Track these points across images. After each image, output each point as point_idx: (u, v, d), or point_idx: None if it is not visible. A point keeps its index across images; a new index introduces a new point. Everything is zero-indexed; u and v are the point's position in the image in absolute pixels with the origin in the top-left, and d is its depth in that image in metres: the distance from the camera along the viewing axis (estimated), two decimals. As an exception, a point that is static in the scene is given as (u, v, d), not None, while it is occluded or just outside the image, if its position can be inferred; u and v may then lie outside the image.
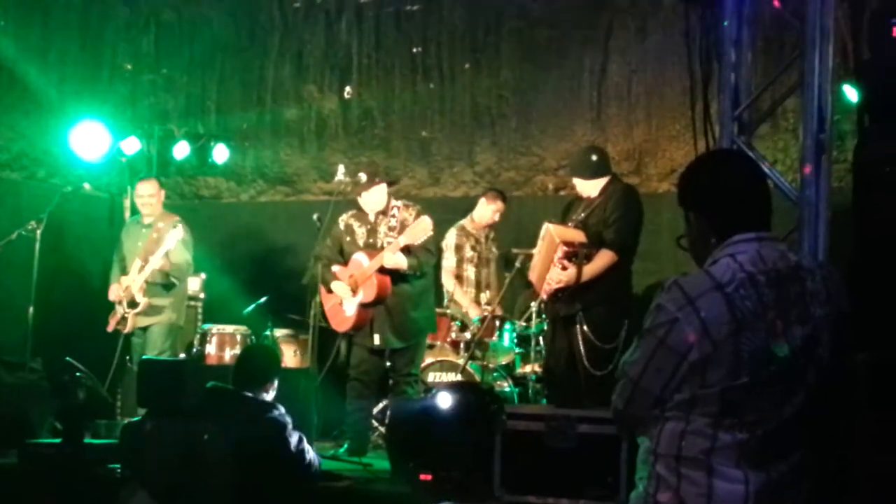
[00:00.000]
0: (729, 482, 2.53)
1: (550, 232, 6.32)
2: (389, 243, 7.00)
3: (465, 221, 8.61)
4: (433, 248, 7.23)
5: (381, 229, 7.16)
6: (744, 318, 2.52)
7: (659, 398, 2.60)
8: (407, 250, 6.95)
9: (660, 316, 2.58)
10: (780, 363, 2.53)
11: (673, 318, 2.54)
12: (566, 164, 6.80)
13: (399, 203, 7.25)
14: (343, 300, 7.17)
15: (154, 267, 7.74)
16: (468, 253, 8.55)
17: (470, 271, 8.55)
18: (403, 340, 7.14)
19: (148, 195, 8.12)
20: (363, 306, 7.09)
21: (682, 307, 2.54)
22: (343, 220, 7.36)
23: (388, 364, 7.24)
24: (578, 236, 6.28)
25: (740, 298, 2.53)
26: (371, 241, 7.18)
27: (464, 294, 8.40)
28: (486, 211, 8.55)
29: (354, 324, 7.14)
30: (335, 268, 7.24)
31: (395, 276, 7.04)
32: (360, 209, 7.29)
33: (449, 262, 8.50)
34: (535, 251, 6.61)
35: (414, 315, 7.15)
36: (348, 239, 7.28)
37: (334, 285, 7.18)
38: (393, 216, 7.16)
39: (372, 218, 7.23)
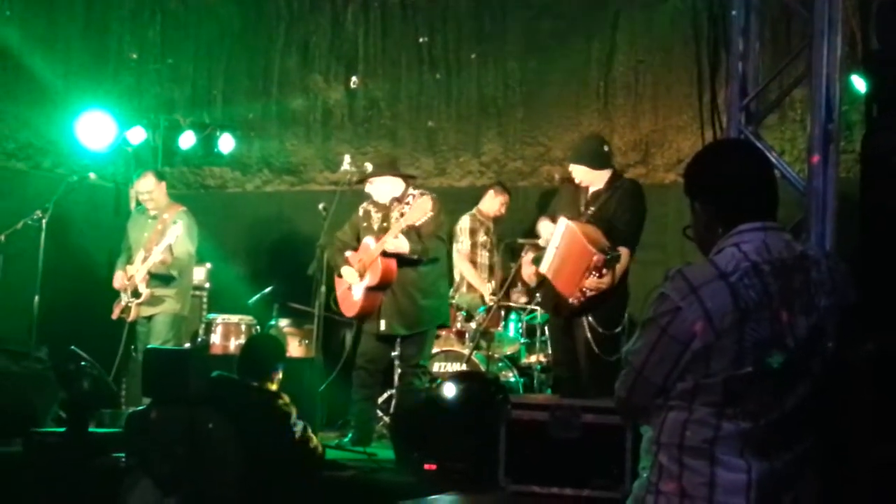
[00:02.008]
0: (731, 471, 2.52)
1: (577, 234, 6.25)
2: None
3: (475, 210, 8.69)
4: (444, 236, 7.24)
5: (394, 215, 7.15)
6: (748, 308, 2.50)
7: (662, 387, 2.59)
8: (417, 236, 6.95)
9: (663, 305, 2.57)
10: (783, 353, 2.52)
11: (676, 307, 2.53)
12: (571, 150, 6.76)
13: (416, 192, 7.24)
14: (352, 285, 7.17)
15: (155, 259, 7.73)
16: (481, 238, 8.66)
17: (484, 257, 8.65)
18: (409, 328, 7.13)
19: (147, 191, 8.08)
20: (369, 290, 7.09)
21: (686, 296, 2.53)
22: (363, 206, 7.39)
23: (395, 353, 7.23)
24: (599, 236, 6.27)
25: (744, 288, 2.51)
26: (385, 225, 7.17)
27: (480, 278, 8.46)
28: (494, 203, 8.63)
29: (361, 308, 7.15)
30: (347, 253, 7.26)
31: (403, 262, 7.04)
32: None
33: (464, 245, 8.62)
34: (542, 242, 6.56)
35: (423, 303, 7.14)
36: (364, 225, 7.30)
37: (344, 270, 7.21)
38: (407, 203, 7.15)
39: (388, 205, 7.23)
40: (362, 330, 7.38)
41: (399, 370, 7.23)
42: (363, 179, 7.30)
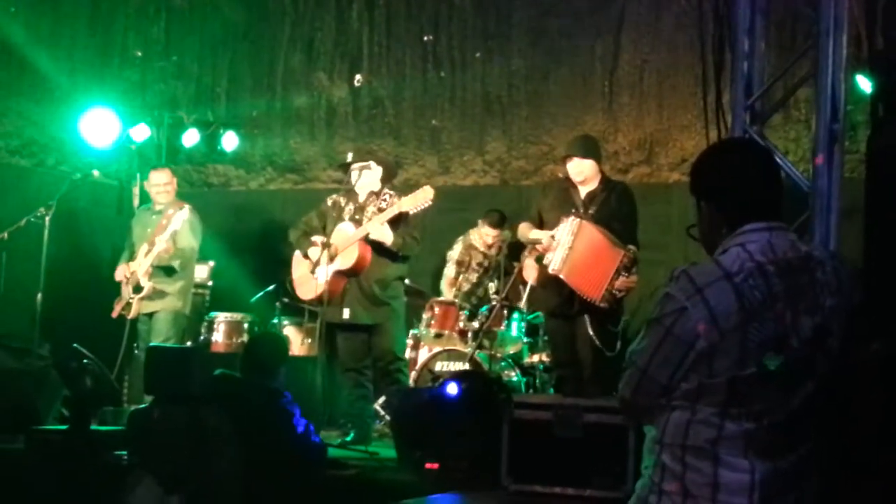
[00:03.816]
0: (735, 471, 2.51)
1: (597, 233, 6.29)
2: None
3: (470, 242, 8.69)
4: (419, 237, 7.17)
5: (369, 208, 7.09)
6: (752, 308, 2.49)
7: (666, 387, 2.58)
8: (395, 227, 6.91)
9: (668, 305, 2.56)
10: (788, 354, 2.51)
11: (681, 308, 2.52)
12: (572, 146, 6.75)
13: (391, 191, 7.21)
14: (317, 267, 7.02)
15: (160, 248, 7.71)
16: (473, 265, 8.65)
17: (469, 280, 8.66)
18: (375, 317, 7.05)
19: (163, 184, 8.11)
20: (338, 274, 6.96)
21: (691, 296, 2.52)
22: (332, 197, 7.34)
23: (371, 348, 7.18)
24: (613, 236, 6.30)
25: (749, 288, 2.50)
26: (357, 217, 7.09)
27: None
28: (479, 233, 8.68)
29: (324, 292, 6.92)
30: (314, 237, 7.13)
31: (375, 254, 6.97)
32: (350, 190, 7.24)
33: (449, 271, 8.64)
34: (545, 242, 6.51)
35: (380, 295, 7.04)
36: (334, 215, 7.21)
37: (312, 251, 7.07)
38: (384, 199, 7.11)
39: (362, 198, 7.17)
40: (327, 321, 7.15)
41: (381, 371, 7.19)
42: (350, 164, 7.23)
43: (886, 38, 4.94)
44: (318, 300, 7.01)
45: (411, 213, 6.81)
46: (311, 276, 7.08)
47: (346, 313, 7.00)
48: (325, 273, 6.92)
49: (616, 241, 6.29)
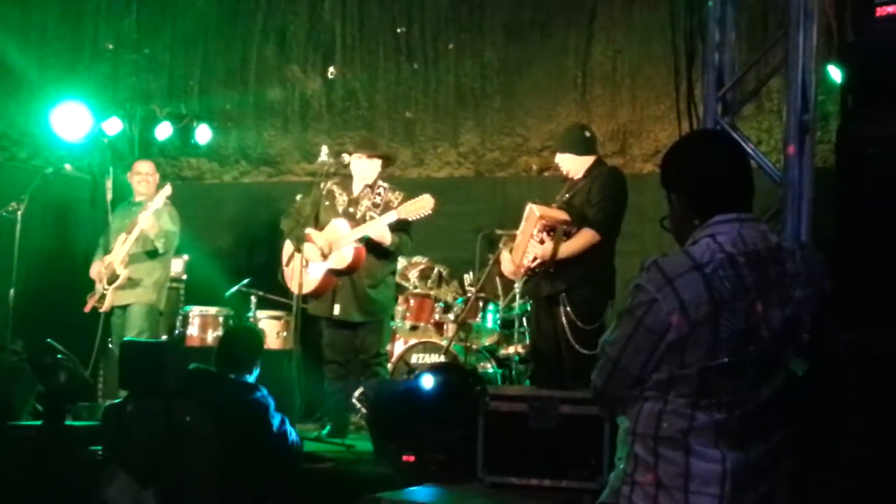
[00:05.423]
0: (706, 462, 2.52)
1: (533, 210, 6.30)
2: (372, 217, 6.96)
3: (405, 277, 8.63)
4: (413, 235, 7.19)
5: (363, 202, 7.09)
6: (722, 299, 2.50)
7: (638, 378, 2.59)
8: (394, 227, 6.90)
9: (639, 296, 2.57)
10: (758, 345, 2.52)
11: (652, 299, 2.53)
12: (554, 141, 6.75)
13: (385, 184, 7.21)
14: (310, 262, 7.01)
15: (143, 226, 7.65)
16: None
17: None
18: (366, 315, 7.07)
19: (145, 173, 8.11)
20: (331, 272, 6.99)
21: (661, 287, 2.53)
22: (326, 185, 7.27)
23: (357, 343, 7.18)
24: (560, 215, 6.26)
25: (719, 279, 2.51)
26: (351, 210, 7.11)
27: None
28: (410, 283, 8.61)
29: (316, 288, 7.00)
30: (308, 230, 7.07)
31: (370, 250, 6.97)
32: (345, 178, 7.23)
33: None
34: (518, 232, 6.56)
35: (372, 294, 7.07)
36: (327, 203, 7.20)
37: (306, 247, 7.00)
38: (378, 194, 7.11)
39: (357, 190, 7.17)
40: (312, 313, 7.21)
41: (362, 363, 7.18)
42: (351, 152, 7.18)
43: (856, 28, 4.96)
44: (309, 295, 7.05)
45: (411, 219, 6.84)
46: (304, 269, 7.03)
47: (336, 309, 7.02)
48: (320, 271, 6.95)
49: (548, 214, 6.26)
